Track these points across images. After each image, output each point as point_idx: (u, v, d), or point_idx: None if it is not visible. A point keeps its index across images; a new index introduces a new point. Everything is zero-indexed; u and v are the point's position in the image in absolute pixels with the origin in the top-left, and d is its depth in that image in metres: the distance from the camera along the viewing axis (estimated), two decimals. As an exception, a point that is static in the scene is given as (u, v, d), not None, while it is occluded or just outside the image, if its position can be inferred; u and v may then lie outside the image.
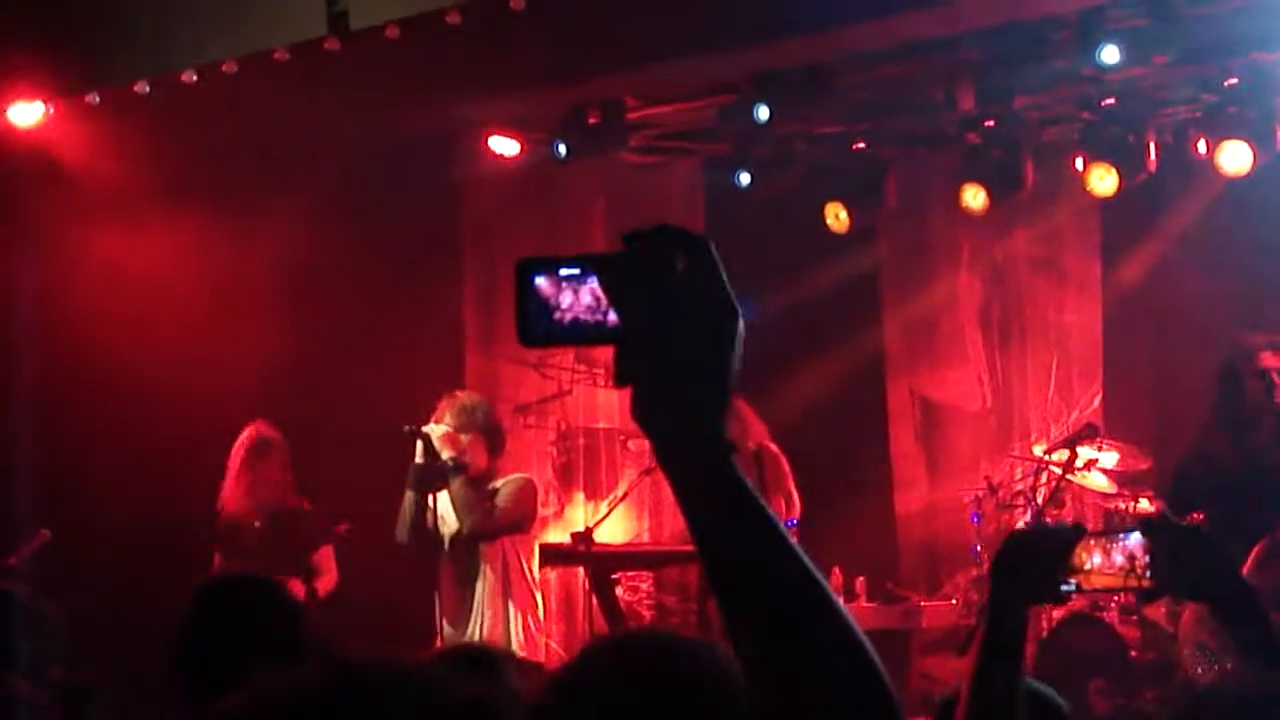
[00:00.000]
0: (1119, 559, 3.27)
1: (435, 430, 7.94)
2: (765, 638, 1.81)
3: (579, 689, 2.34)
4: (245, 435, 9.26)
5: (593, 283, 1.89)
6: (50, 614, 4.00)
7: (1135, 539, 3.27)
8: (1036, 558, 3.10)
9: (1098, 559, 3.28)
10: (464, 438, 8.01)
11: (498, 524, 8.04)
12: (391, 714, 1.61)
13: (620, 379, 1.84)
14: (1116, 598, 9.76)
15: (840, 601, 1.84)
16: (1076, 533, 3.29)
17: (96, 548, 9.44)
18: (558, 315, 1.90)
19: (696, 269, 1.83)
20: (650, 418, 1.83)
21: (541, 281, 1.90)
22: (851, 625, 1.82)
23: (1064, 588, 3.18)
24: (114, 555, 9.55)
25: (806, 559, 1.83)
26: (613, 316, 1.87)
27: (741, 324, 1.84)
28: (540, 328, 1.90)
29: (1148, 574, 3.25)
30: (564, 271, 1.90)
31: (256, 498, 9.12)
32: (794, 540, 1.82)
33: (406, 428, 7.98)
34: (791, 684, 1.79)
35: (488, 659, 3.81)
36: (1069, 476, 10.14)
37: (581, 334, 1.90)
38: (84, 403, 9.80)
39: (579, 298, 1.89)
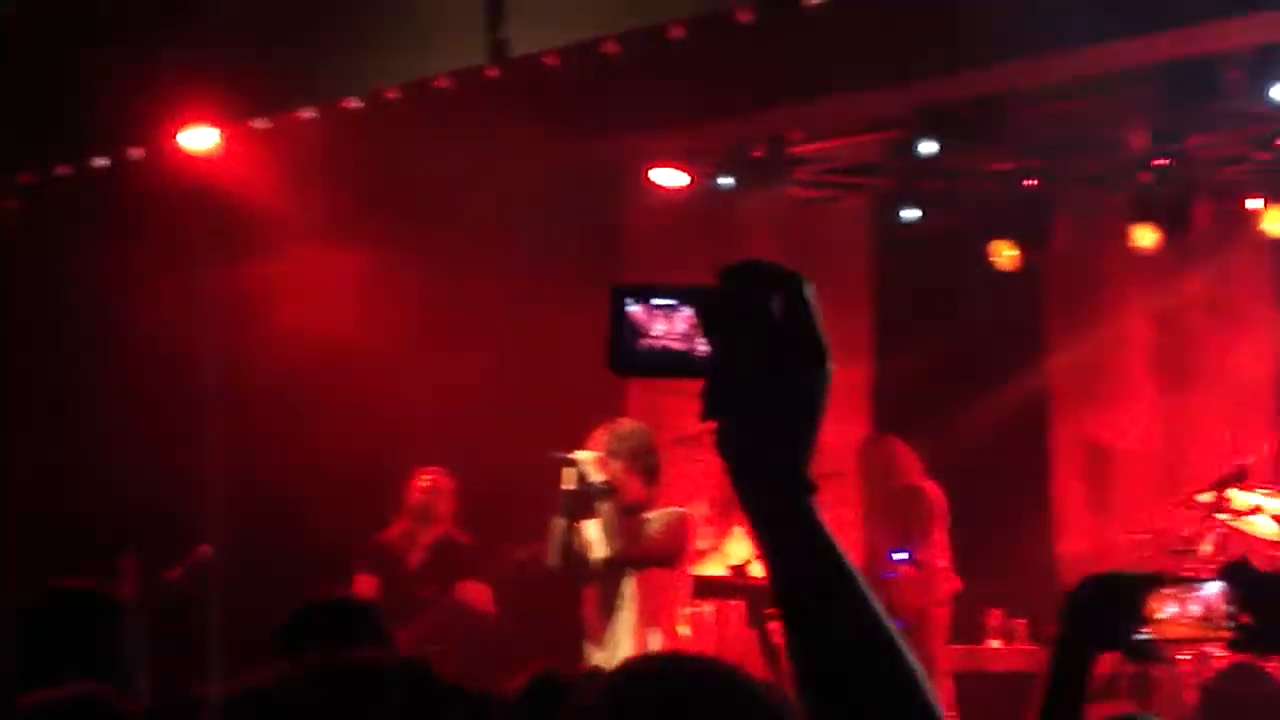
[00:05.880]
0: (1195, 609, 3.16)
1: (585, 456, 7.91)
2: (826, 674, 1.80)
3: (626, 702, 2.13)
4: (425, 481, 9.77)
5: (686, 313, 1.88)
6: (137, 619, 4.08)
7: (1213, 588, 3.16)
8: (1108, 602, 3.03)
9: (1172, 609, 3.19)
10: (615, 464, 7.97)
11: (645, 553, 7.97)
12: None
13: (708, 412, 1.83)
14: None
15: (905, 647, 1.80)
16: (1148, 581, 3.19)
17: (257, 563, 9.59)
18: (648, 342, 1.88)
19: (790, 307, 1.82)
20: (733, 452, 1.82)
21: (635, 308, 1.89)
22: (916, 673, 1.79)
23: (1137, 637, 3.08)
24: (272, 571, 9.69)
25: (875, 602, 1.81)
26: (702, 347, 1.86)
27: (831, 366, 1.82)
28: (630, 353, 1.89)
29: (1228, 623, 3.15)
30: (657, 301, 1.89)
31: (422, 534, 9.73)
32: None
33: (556, 454, 7.96)
34: None
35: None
36: (1235, 524, 9.92)
37: (670, 363, 1.88)
38: (258, 423, 10.01)
39: (672, 326, 1.88)
